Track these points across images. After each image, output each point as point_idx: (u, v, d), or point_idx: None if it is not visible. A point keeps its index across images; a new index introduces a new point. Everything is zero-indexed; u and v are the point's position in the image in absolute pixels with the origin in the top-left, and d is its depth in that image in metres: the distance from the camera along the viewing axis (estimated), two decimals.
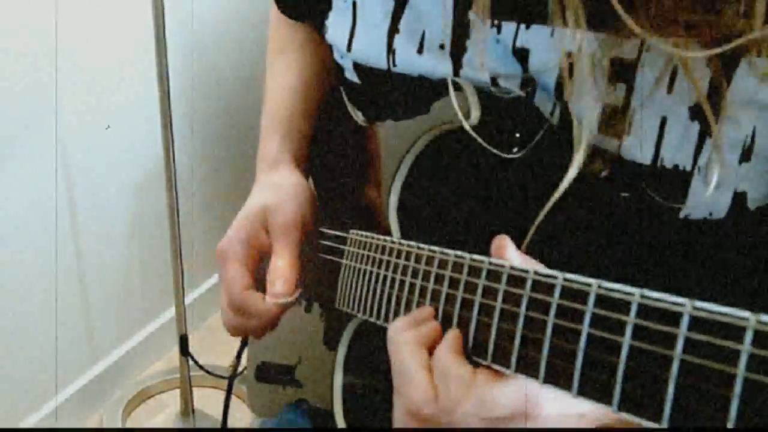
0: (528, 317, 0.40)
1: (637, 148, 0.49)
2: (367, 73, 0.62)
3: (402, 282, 0.52)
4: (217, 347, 1.87)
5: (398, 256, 0.53)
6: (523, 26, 0.50)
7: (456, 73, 0.55)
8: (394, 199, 0.59)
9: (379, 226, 0.60)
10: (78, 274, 1.64)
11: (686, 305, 0.31)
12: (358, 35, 0.60)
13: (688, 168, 0.48)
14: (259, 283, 0.66)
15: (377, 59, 0.59)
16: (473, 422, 0.44)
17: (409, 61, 0.57)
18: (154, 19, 1.30)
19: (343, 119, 0.68)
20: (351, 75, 0.64)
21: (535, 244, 0.51)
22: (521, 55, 0.51)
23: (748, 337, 0.28)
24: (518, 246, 0.48)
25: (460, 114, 0.52)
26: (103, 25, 1.49)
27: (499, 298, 0.42)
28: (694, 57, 0.44)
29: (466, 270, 0.46)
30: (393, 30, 0.58)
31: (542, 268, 0.41)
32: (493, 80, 0.53)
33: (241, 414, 1.63)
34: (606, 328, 0.35)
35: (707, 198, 0.48)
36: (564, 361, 0.37)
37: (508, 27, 0.51)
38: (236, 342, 0.89)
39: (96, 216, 1.63)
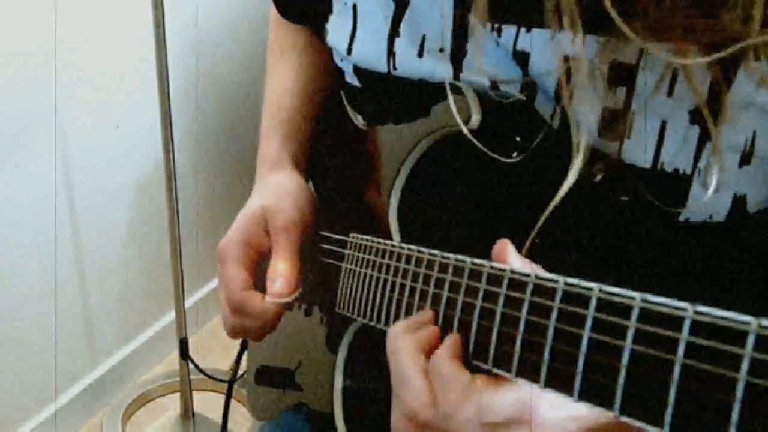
0: (529, 321, 0.40)
1: (638, 151, 0.49)
2: (368, 76, 0.62)
3: (402, 286, 0.52)
4: (217, 351, 1.87)
5: (398, 260, 0.53)
6: (523, 30, 0.50)
7: (456, 76, 0.55)
8: (394, 203, 0.59)
9: (380, 229, 0.60)
10: (78, 277, 1.64)
11: (688, 309, 0.31)
12: (359, 38, 0.60)
13: (689, 171, 0.48)
14: (259, 284, 0.66)
15: (377, 62, 0.59)
16: (471, 428, 0.44)
17: (409, 65, 0.57)
18: (154, 19, 1.30)
19: (343, 123, 0.68)
20: (351, 78, 0.64)
21: (535, 247, 0.51)
22: (521, 58, 0.51)
23: (750, 341, 0.28)
24: (519, 250, 0.48)
25: (458, 118, 0.52)
26: (103, 25, 1.50)
27: (500, 302, 0.42)
28: (695, 56, 0.44)
29: (466, 274, 0.46)
30: (393, 33, 0.58)
31: (543, 273, 0.41)
32: (494, 84, 0.53)
33: (241, 417, 1.63)
34: (607, 333, 0.34)
35: (707, 201, 0.48)
36: (565, 365, 0.37)
37: (509, 30, 0.51)
38: (236, 345, 0.89)
39: (96, 216, 1.63)
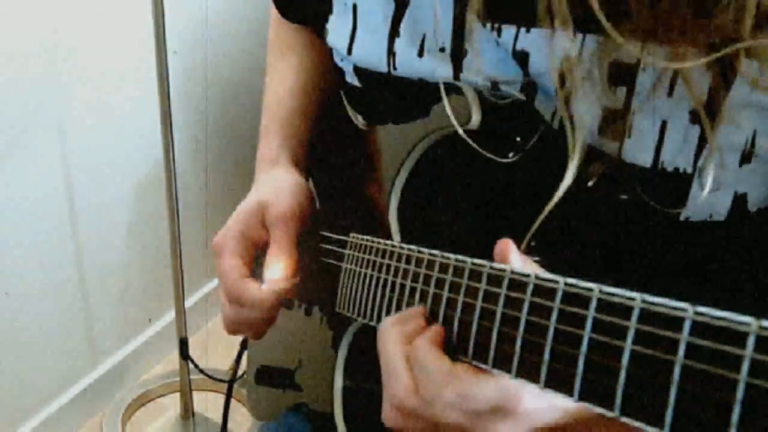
0: (529, 322, 0.40)
1: (638, 151, 0.49)
2: (368, 76, 0.62)
3: (402, 286, 0.52)
4: (217, 351, 1.87)
5: (398, 260, 0.53)
6: (523, 30, 0.50)
7: (456, 76, 0.55)
8: (394, 203, 0.59)
9: (380, 229, 0.60)
10: (78, 277, 1.64)
11: (688, 310, 0.31)
12: (359, 38, 0.60)
13: (689, 171, 0.48)
14: (256, 277, 0.66)
15: (378, 62, 0.59)
16: (454, 415, 0.44)
17: (409, 65, 0.57)
18: (154, 19, 1.30)
19: (343, 122, 0.68)
20: (351, 78, 0.64)
21: (535, 246, 0.51)
22: (521, 58, 0.51)
23: (750, 342, 0.28)
24: (518, 249, 0.48)
25: (453, 119, 0.52)
26: (104, 25, 1.49)
27: (501, 302, 0.42)
28: (694, 57, 0.44)
29: (467, 274, 0.45)
30: (393, 33, 0.58)
31: (543, 273, 0.41)
32: (494, 83, 0.53)
33: (241, 417, 1.63)
34: (607, 333, 0.34)
35: (704, 200, 0.48)
36: (565, 365, 0.37)
37: (509, 30, 0.51)
38: (236, 345, 0.89)
39: (96, 216, 1.63)
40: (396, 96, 0.60)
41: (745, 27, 0.41)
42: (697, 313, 0.30)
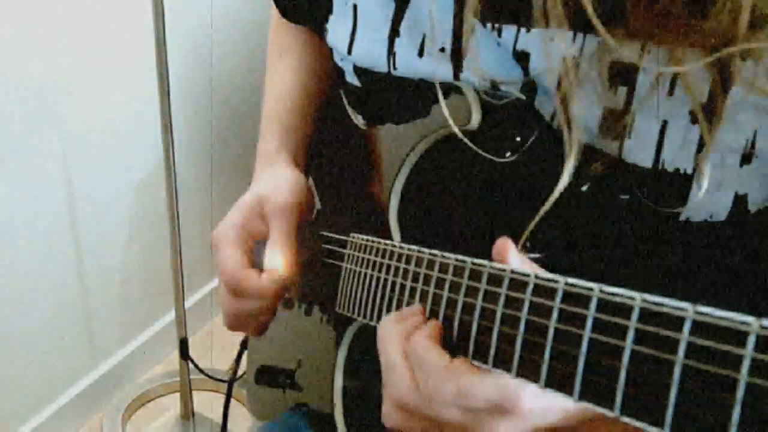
0: (529, 321, 0.40)
1: (638, 151, 0.49)
2: (368, 76, 0.62)
3: (402, 286, 0.52)
4: (217, 351, 1.86)
5: (399, 260, 0.53)
6: (523, 30, 0.50)
7: (456, 76, 0.55)
8: (394, 202, 0.59)
9: (380, 229, 0.60)
10: (78, 277, 1.64)
11: (688, 310, 0.31)
12: (359, 38, 0.60)
13: (689, 171, 0.48)
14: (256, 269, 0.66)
15: (378, 62, 0.59)
16: (453, 412, 0.44)
17: (409, 64, 0.57)
18: (154, 19, 1.30)
19: (344, 123, 0.68)
20: (351, 78, 0.64)
21: (536, 246, 0.51)
22: (522, 58, 0.51)
23: (751, 342, 0.28)
24: (525, 246, 0.48)
25: (450, 120, 0.52)
26: (104, 25, 1.50)
27: (501, 302, 0.42)
28: (693, 58, 0.44)
29: (467, 274, 0.45)
30: (393, 33, 0.58)
31: (543, 273, 0.41)
32: (494, 84, 0.53)
33: (241, 417, 1.63)
34: (608, 333, 0.34)
35: (704, 201, 0.48)
36: (566, 365, 0.37)
37: (509, 30, 0.51)
38: (236, 346, 0.89)
39: (96, 216, 1.63)
40: (396, 96, 0.60)
41: (740, 28, 0.41)
42: (697, 313, 0.30)
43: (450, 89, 0.55)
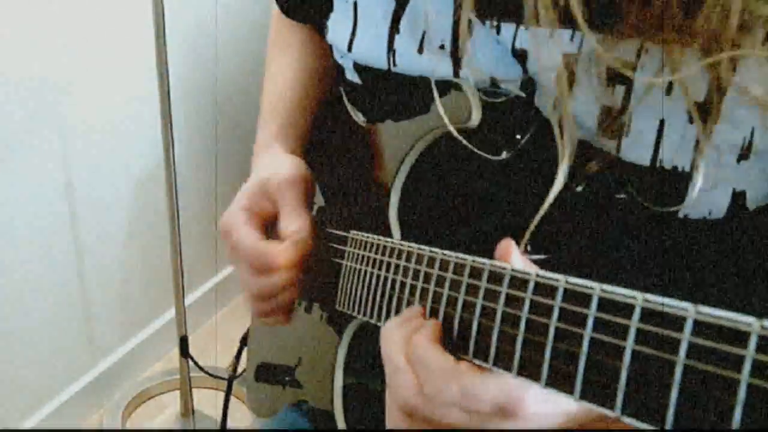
0: (530, 320, 0.40)
1: (636, 149, 0.49)
2: (368, 73, 0.62)
3: (402, 283, 0.52)
4: (217, 348, 1.87)
5: (398, 258, 0.53)
6: (522, 27, 0.50)
7: (456, 73, 0.55)
8: (394, 200, 0.59)
9: (380, 226, 0.60)
10: (78, 275, 1.64)
11: (689, 309, 0.31)
12: (359, 35, 0.60)
13: (687, 169, 0.48)
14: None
15: (377, 59, 0.59)
16: (455, 414, 0.44)
17: (409, 61, 0.57)
18: (154, 19, 1.30)
19: (344, 120, 0.68)
20: (351, 75, 0.64)
21: (534, 245, 0.51)
22: (520, 56, 0.51)
23: (752, 342, 0.28)
24: (526, 245, 0.48)
25: (445, 118, 0.52)
26: (104, 25, 1.49)
27: (501, 300, 0.42)
28: (689, 59, 0.44)
29: (467, 272, 0.45)
30: (393, 30, 0.58)
31: (544, 272, 0.40)
32: (494, 81, 0.53)
33: (241, 415, 1.64)
34: (608, 332, 0.34)
35: (702, 198, 0.48)
36: (566, 364, 0.36)
37: (508, 28, 0.51)
38: (236, 343, 0.89)
39: (96, 216, 1.63)
40: (396, 93, 0.60)
41: (730, 28, 0.41)
42: (698, 313, 0.30)
43: (450, 87, 0.55)
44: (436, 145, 0.57)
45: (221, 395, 1.17)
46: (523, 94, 0.52)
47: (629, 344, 0.33)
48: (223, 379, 1.65)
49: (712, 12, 0.41)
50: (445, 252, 0.48)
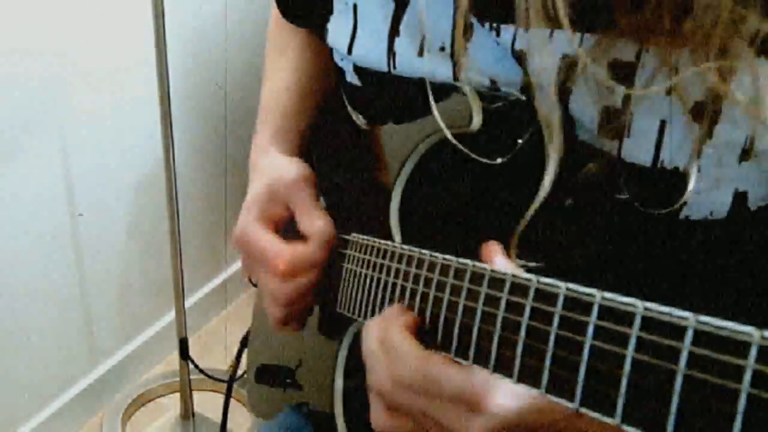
0: (530, 327, 0.39)
1: (637, 150, 0.48)
2: (368, 75, 0.62)
3: (403, 288, 0.52)
4: (217, 351, 1.87)
5: (399, 261, 0.53)
6: (521, 29, 0.50)
7: (456, 75, 0.55)
8: (395, 203, 0.59)
9: (382, 229, 0.59)
10: (78, 277, 1.64)
11: (690, 319, 0.31)
12: (359, 38, 0.60)
13: (689, 169, 0.48)
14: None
15: (378, 62, 0.59)
16: (420, 401, 0.45)
17: (409, 64, 0.57)
18: (154, 19, 1.30)
19: (346, 122, 0.68)
20: (351, 77, 0.64)
21: (535, 247, 0.51)
22: (520, 58, 0.51)
23: (753, 352, 0.28)
24: (521, 249, 0.48)
25: (441, 123, 0.52)
26: (104, 25, 1.49)
27: (502, 306, 0.42)
28: (687, 60, 0.44)
29: (468, 277, 0.45)
30: (393, 32, 0.58)
31: (544, 279, 0.40)
32: (494, 83, 0.53)
33: (241, 417, 1.63)
34: (609, 341, 0.34)
35: (700, 198, 0.48)
36: (566, 372, 0.36)
37: (507, 30, 0.51)
38: (236, 345, 0.89)
39: (96, 216, 1.63)
40: (396, 95, 0.60)
41: (717, 34, 0.41)
42: (699, 322, 0.30)
43: (451, 90, 0.55)
44: (438, 148, 0.57)
45: (221, 397, 1.17)
46: (523, 97, 0.52)
47: (629, 353, 0.33)
48: (223, 381, 1.65)
49: (701, 17, 0.41)
50: (446, 256, 0.48)
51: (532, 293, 0.39)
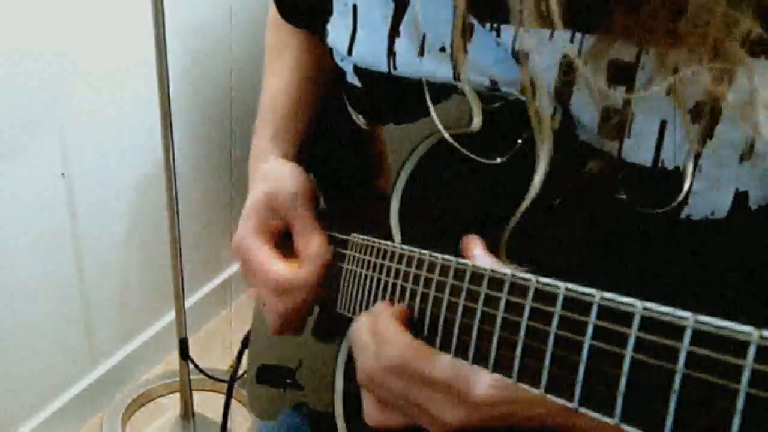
0: (530, 327, 0.40)
1: (638, 150, 0.49)
2: (368, 76, 0.62)
3: (403, 288, 0.52)
4: (217, 351, 1.87)
5: (399, 262, 0.53)
6: (522, 29, 0.50)
7: (456, 76, 0.55)
8: (395, 203, 0.59)
9: (382, 229, 0.59)
10: (78, 277, 1.64)
11: (689, 318, 0.31)
12: (359, 38, 0.60)
13: (689, 169, 0.48)
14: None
15: (378, 62, 0.59)
16: (408, 388, 0.46)
17: (409, 64, 0.57)
18: (154, 19, 1.30)
19: (346, 123, 0.68)
20: (352, 78, 0.64)
21: (535, 246, 0.51)
22: (521, 58, 0.51)
23: (751, 352, 0.28)
24: (522, 249, 0.48)
25: (439, 124, 0.53)
26: (104, 25, 1.50)
27: (501, 306, 0.42)
28: (686, 61, 0.44)
29: (467, 277, 0.45)
30: (393, 33, 0.58)
31: (543, 279, 0.40)
32: (494, 83, 0.53)
33: (241, 417, 1.63)
34: (608, 340, 0.34)
35: (700, 197, 0.48)
36: (566, 371, 0.36)
37: (508, 30, 0.51)
38: (236, 345, 0.89)
39: (96, 216, 1.63)
40: (397, 96, 0.60)
41: (711, 36, 0.42)
42: (698, 322, 0.30)
43: (451, 90, 0.55)
44: (438, 148, 0.57)
45: (221, 398, 1.17)
46: (523, 98, 0.52)
47: (629, 352, 0.33)
48: (223, 381, 1.65)
49: (696, 17, 0.42)
50: (445, 256, 0.48)
51: (531, 293, 0.40)
